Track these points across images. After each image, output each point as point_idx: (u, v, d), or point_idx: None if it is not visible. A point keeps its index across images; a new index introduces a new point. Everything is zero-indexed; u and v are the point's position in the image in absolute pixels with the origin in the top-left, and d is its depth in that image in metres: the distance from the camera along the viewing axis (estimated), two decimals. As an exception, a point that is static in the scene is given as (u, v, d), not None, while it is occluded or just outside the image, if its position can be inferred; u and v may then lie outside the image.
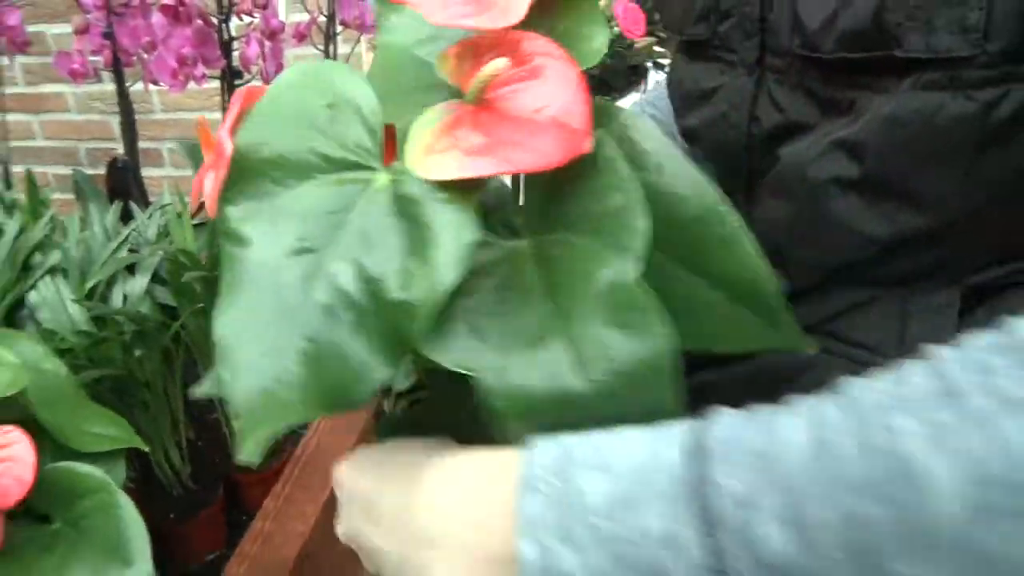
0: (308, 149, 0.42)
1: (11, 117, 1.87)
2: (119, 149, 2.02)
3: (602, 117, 0.41)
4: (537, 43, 0.41)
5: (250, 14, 1.08)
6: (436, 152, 0.38)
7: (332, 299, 0.38)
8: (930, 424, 0.28)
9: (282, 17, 1.10)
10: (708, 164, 0.70)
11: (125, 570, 0.60)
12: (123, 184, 1.34)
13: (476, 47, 0.42)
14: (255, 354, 0.38)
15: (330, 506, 1.03)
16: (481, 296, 0.39)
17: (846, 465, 0.29)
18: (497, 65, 0.39)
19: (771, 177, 0.61)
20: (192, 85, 1.17)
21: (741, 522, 0.29)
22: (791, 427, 0.31)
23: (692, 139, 0.72)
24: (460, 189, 0.38)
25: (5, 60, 1.45)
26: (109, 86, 1.95)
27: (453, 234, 0.37)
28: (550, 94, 0.39)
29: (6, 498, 0.59)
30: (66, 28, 1.87)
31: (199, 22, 1.02)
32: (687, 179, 0.40)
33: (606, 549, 0.31)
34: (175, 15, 1.00)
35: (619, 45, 1.61)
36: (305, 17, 1.23)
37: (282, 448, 1.09)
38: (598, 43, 0.44)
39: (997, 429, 0.27)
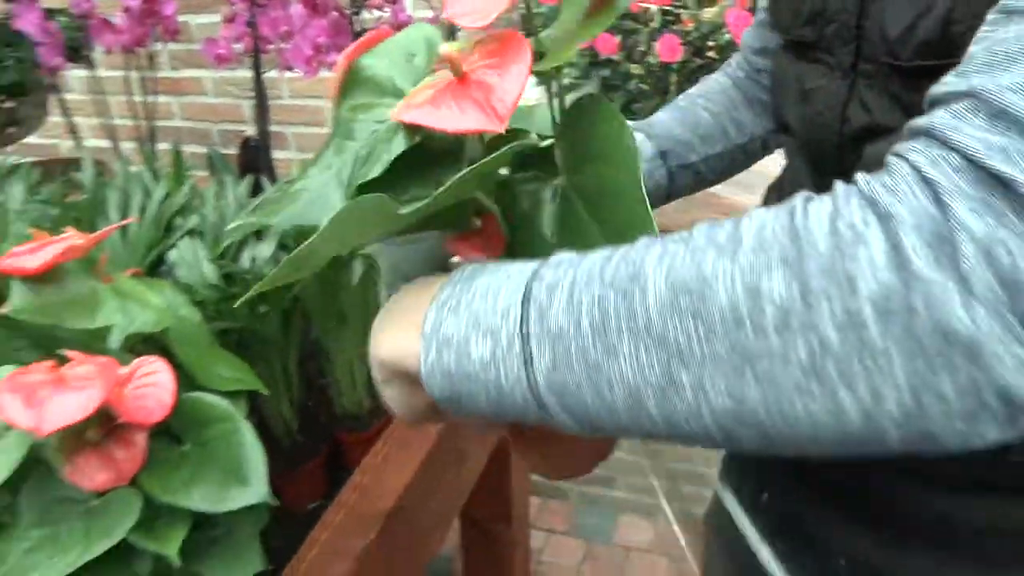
0: (388, 78, 0.58)
1: (158, 99, 2.02)
2: (249, 131, 2.15)
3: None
4: (516, 43, 0.52)
5: (380, 8, 1.16)
6: (408, 104, 0.53)
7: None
8: (665, 251, 0.41)
9: (409, 12, 1.18)
10: (801, 157, 0.74)
11: (244, 490, 0.68)
12: (254, 162, 1.45)
13: (478, 41, 0.54)
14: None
15: (425, 467, 1.10)
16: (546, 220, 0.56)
17: (608, 268, 0.42)
18: (450, 48, 0.51)
19: (857, 171, 0.65)
20: (322, 73, 1.27)
21: (542, 298, 0.44)
22: (601, 252, 0.45)
23: (789, 133, 0.77)
24: (411, 129, 0.53)
25: (158, 46, 1.58)
26: (243, 72, 2.08)
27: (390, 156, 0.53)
28: (500, 83, 0.50)
29: (150, 416, 0.67)
30: (208, 19, 2.01)
31: (334, 14, 1.11)
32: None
33: (471, 315, 0.46)
34: (313, 7, 1.09)
35: (731, 50, 1.65)
36: (429, 13, 1.31)
37: (384, 412, 1.16)
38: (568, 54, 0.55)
39: (698, 257, 0.39)
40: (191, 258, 1.00)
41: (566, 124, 0.56)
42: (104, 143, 1.78)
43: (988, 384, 0.33)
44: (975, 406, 0.34)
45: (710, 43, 1.69)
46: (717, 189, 1.15)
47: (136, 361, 0.71)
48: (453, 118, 0.49)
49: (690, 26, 1.70)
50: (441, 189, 0.49)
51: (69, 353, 0.68)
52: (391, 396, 0.58)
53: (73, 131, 1.62)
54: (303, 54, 1.13)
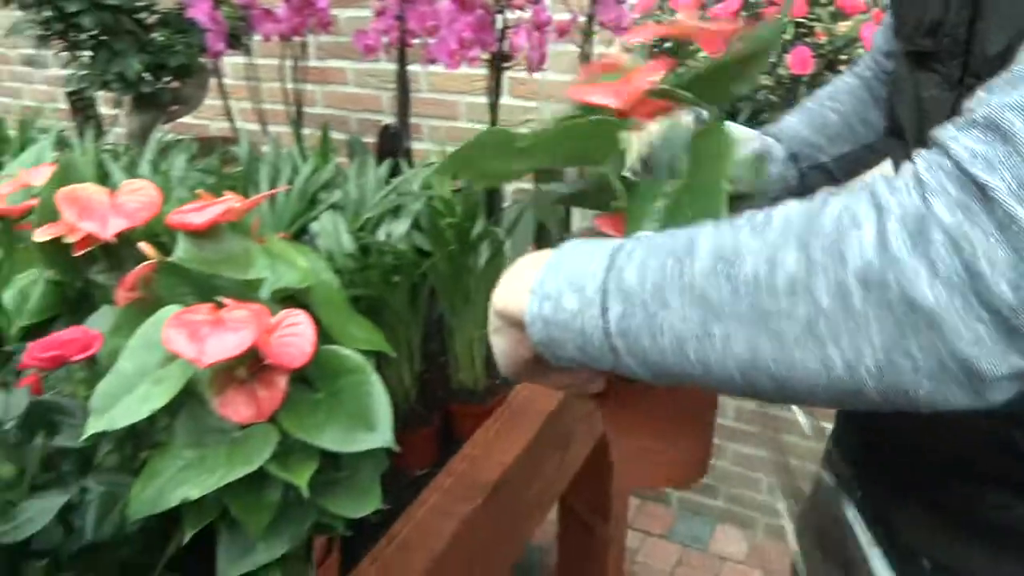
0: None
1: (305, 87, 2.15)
2: (385, 120, 2.26)
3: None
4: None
5: (522, 8, 1.22)
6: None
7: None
8: (716, 230, 0.50)
9: (549, 12, 1.24)
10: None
11: (371, 434, 0.75)
12: (392, 148, 1.54)
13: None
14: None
15: (532, 446, 1.16)
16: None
17: (672, 242, 0.51)
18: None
19: None
20: (456, 70, 1.35)
21: (621, 263, 0.52)
22: (672, 231, 0.53)
23: (901, 136, 0.79)
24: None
25: (310, 38, 1.68)
26: (384, 65, 2.19)
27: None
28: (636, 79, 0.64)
29: (292, 361, 0.75)
30: (354, 12, 2.12)
31: (480, 11, 1.18)
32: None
33: (568, 276, 0.55)
34: (462, 3, 1.16)
35: (787, 80, 1.65)
36: (567, 15, 1.37)
37: (496, 391, 1.23)
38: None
39: (736, 234, 0.48)
40: (332, 229, 1.09)
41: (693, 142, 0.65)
42: (252, 126, 1.92)
43: (948, 351, 0.41)
44: (938, 368, 0.41)
45: (843, 57, 1.69)
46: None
47: (282, 312, 0.79)
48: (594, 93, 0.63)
49: (823, 39, 1.69)
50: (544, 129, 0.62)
51: (225, 300, 0.77)
52: (499, 344, 0.65)
53: (228, 112, 1.75)
54: (448, 48, 1.20)
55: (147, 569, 0.78)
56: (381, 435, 0.75)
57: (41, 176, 1.15)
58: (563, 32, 1.34)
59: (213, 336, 0.71)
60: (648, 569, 2.16)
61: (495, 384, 1.23)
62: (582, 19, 1.38)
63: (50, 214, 1.03)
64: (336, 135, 1.94)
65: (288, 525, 0.76)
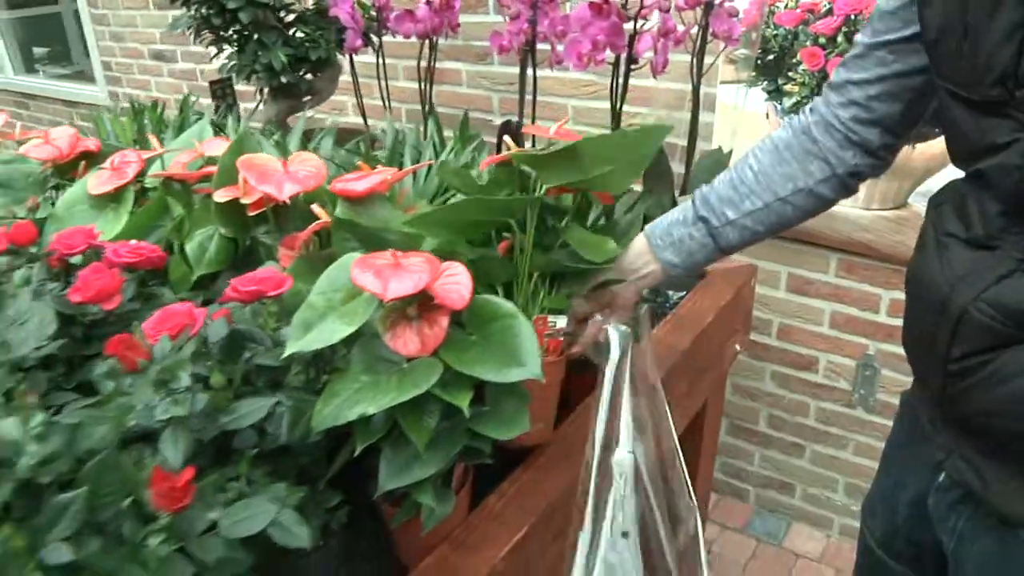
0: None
1: (411, 85, 2.30)
2: (494, 120, 2.40)
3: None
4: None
5: (646, 18, 1.34)
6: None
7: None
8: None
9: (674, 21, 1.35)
10: (994, 202, 0.82)
11: (521, 368, 0.87)
12: (515, 140, 1.66)
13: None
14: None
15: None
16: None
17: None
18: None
19: None
20: (582, 71, 1.47)
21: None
22: None
23: (979, 180, 0.83)
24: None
25: (442, 39, 1.82)
26: (495, 68, 2.33)
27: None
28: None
29: (454, 303, 0.87)
30: (469, 18, 2.26)
31: (615, 18, 1.30)
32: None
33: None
34: (598, 9, 1.28)
35: None
36: (682, 27, 1.48)
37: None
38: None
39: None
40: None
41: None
42: (372, 120, 2.07)
43: None
44: None
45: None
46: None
47: (444, 264, 0.91)
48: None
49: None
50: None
51: (394, 252, 0.89)
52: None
53: (360, 103, 1.90)
54: (579, 50, 1.32)
55: (317, 478, 0.91)
56: (531, 368, 0.87)
57: (216, 147, 1.31)
58: (678, 42, 1.44)
59: (394, 276, 0.84)
60: (723, 560, 2.23)
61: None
62: (694, 30, 1.48)
63: (228, 179, 1.19)
64: (448, 133, 2.09)
65: (444, 446, 0.88)
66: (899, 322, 1.96)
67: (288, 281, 0.92)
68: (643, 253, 1.14)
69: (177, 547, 0.62)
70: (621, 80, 1.43)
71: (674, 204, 1.58)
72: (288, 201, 1.09)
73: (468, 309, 0.91)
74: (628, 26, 1.42)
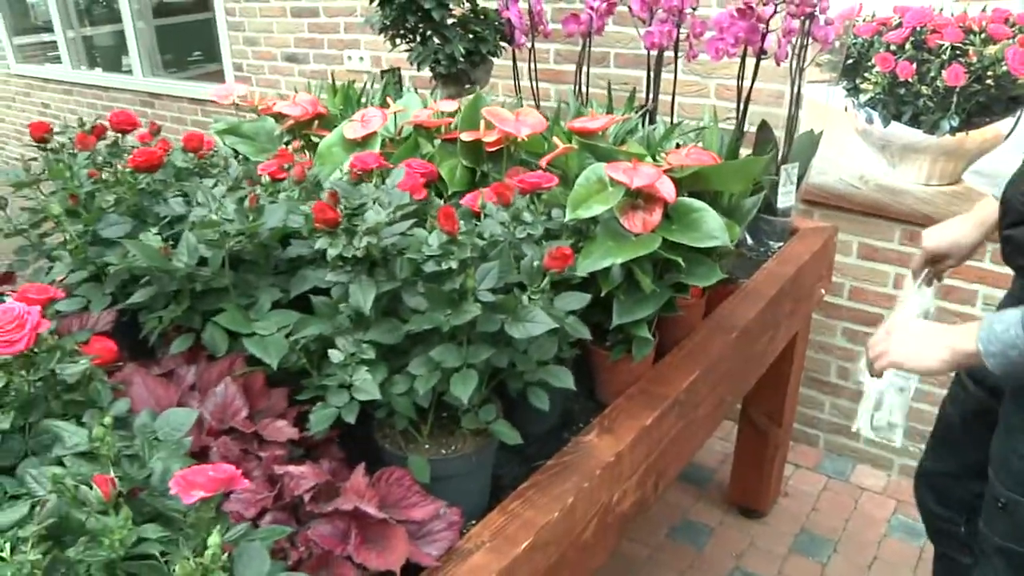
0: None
1: (541, 85, 2.74)
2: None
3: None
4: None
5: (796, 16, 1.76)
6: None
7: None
8: None
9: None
10: None
11: (712, 241, 1.28)
12: (648, 120, 2.08)
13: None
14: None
15: (761, 314, 1.67)
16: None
17: None
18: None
19: None
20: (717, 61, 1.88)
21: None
22: None
23: None
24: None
25: (560, 45, 2.24)
26: (611, 70, 2.75)
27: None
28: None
29: (667, 197, 1.29)
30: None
31: (755, 20, 1.72)
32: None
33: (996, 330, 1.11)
34: (743, 13, 1.70)
35: (1005, 80, 2.11)
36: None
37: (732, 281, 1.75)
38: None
39: None
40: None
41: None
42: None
43: None
44: None
45: (989, 73, 2.16)
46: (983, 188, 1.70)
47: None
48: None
49: (974, 59, 2.17)
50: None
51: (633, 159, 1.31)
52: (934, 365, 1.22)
53: (517, 90, 2.33)
54: (717, 45, 1.74)
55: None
56: (721, 239, 1.28)
57: (447, 106, 1.74)
58: (789, 33, 1.85)
59: (636, 174, 1.26)
60: (799, 491, 2.62)
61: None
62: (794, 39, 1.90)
63: (469, 124, 1.61)
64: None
65: (659, 294, 1.30)
66: (955, 283, 2.35)
67: (556, 179, 1.34)
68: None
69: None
70: (751, 72, 1.84)
71: (777, 171, 2.00)
72: (525, 138, 1.51)
73: (672, 206, 1.33)
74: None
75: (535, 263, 1.07)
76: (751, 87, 1.86)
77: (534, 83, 2.30)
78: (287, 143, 1.95)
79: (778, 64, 1.80)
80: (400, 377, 1.08)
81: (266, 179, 1.49)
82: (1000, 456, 1.34)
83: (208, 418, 1.17)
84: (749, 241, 2.04)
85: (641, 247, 1.27)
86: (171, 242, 1.31)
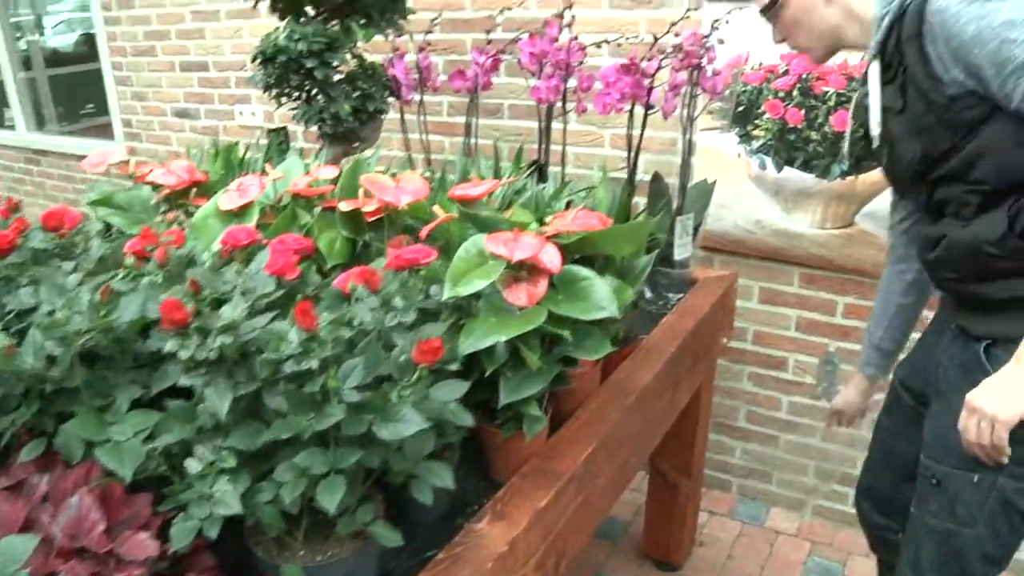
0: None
1: (433, 138, 2.70)
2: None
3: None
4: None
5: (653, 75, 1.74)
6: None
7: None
8: None
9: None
10: None
11: (600, 312, 1.24)
12: (539, 173, 2.05)
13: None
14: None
15: (659, 375, 1.63)
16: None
17: None
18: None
19: None
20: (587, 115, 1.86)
21: None
22: None
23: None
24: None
25: (453, 97, 2.20)
26: (505, 121, 2.71)
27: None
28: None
29: (551, 269, 1.24)
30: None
31: (639, 76, 1.70)
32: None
33: None
34: (627, 69, 1.68)
35: (831, 135, 2.16)
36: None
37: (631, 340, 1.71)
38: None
39: None
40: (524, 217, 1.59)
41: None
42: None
43: None
44: None
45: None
46: (871, 229, 1.78)
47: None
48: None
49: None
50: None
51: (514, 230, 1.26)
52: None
53: (407, 146, 2.27)
54: (604, 100, 1.71)
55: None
56: (608, 310, 1.24)
57: (327, 173, 1.67)
58: (675, 87, 1.85)
59: (517, 246, 1.20)
60: (714, 539, 2.59)
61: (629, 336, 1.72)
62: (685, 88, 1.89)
63: (348, 193, 1.54)
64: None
65: (547, 369, 1.24)
66: (854, 323, 2.39)
67: (435, 253, 1.27)
68: (856, 380, 1.83)
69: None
70: (639, 125, 1.82)
71: (672, 226, 1.98)
72: (405, 207, 1.45)
73: (558, 276, 1.27)
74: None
75: (403, 356, 1.00)
76: (639, 143, 1.84)
77: (424, 139, 2.25)
78: (164, 213, 1.86)
79: (665, 118, 1.78)
80: (266, 484, 1.00)
81: (130, 260, 1.39)
82: (936, 436, 1.45)
83: (59, 536, 1.06)
84: (648, 294, 2.01)
85: (526, 322, 1.21)
86: (19, 338, 1.20)
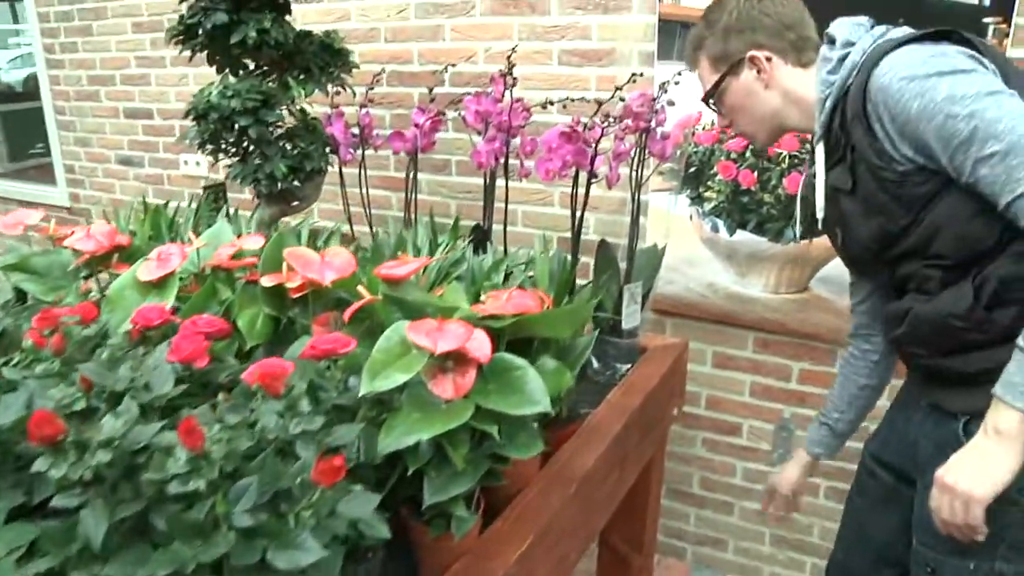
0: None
1: (380, 193, 2.61)
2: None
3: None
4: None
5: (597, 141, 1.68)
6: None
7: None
8: None
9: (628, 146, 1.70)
10: None
11: (533, 407, 1.15)
12: (481, 239, 1.97)
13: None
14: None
15: (603, 457, 1.54)
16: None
17: None
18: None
19: None
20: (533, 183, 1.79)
21: None
22: None
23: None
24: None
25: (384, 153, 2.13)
26: (453, 178, 2.65)
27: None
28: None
29: (481, 359, 1.15)
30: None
31: (582, 143, 1.63)
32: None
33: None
34: (569, 137, 1.61)
35: (784, 198, 2.12)
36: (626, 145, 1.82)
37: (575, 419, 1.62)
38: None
39: None
40: (456, 296, 1.50)
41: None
42: (327, 222, 2.35)
43: None
44: None
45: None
46: (826, 295, 1.73)
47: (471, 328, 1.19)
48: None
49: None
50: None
51: (438, 318, 1.17)
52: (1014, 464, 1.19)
53: (346, 208, 2.19)
54: (546, 166, 1.64)
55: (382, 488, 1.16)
56: (541, 405, 1.15)
57: (252, 243, 1.58)
58: (622, 155, 1.78)
59: (440, 337, 1.12)
60: (667, 611, 2.50)
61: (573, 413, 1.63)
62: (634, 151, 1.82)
63: (271, 267, 1.45)
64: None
65: (475, 467, 1.15)
66: (809, 389, 2.33)
67: (353, 342, 1.18)
68: (801, 457, 1.78)
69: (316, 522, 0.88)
70: (583, 192, 1.75)
71: (620, 295, 1.90)
72: (329, 284, 1.36)
73: (491, 362, 1.19)
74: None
75: (302, 477, 0.90)
76: (582, 212, 1.76)
77: (366, 198, 2.16)
78: (86, 278, 1.75)
79: (609, 187, 1.71)
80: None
81: (29, 343, 1.29)
82: (926, 522, 1.35)
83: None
84: (595, 364, 1.93)
85: (451, 418, 1.12)
86: None
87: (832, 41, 1.36)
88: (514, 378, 1.20)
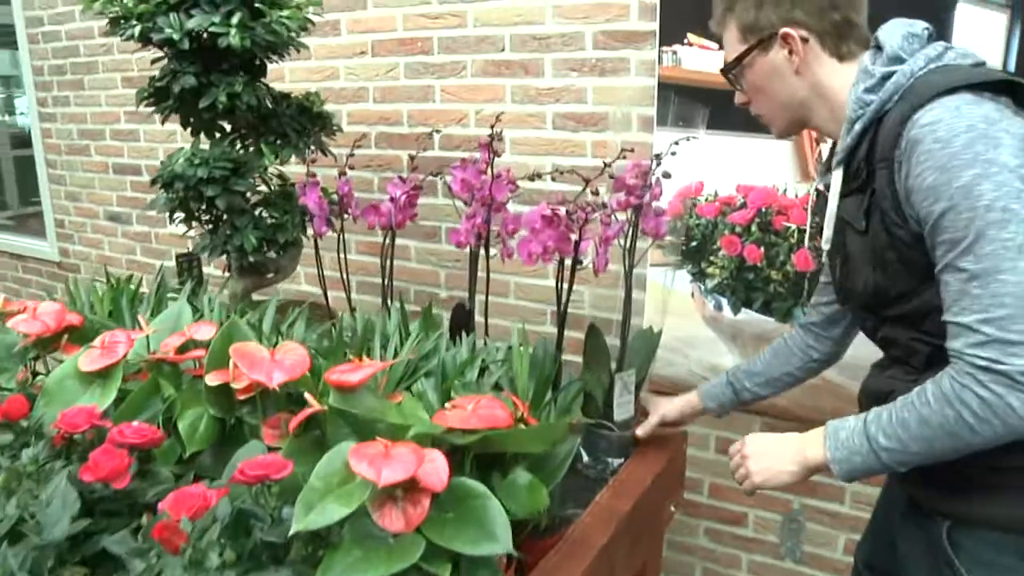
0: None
1: (365, 259, 2.48)
2: (441, 294, 2.57)
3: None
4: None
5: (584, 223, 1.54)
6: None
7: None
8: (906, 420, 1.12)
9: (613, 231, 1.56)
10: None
11: (493, 544, 1.00)
12: (464, 322, 1.82)
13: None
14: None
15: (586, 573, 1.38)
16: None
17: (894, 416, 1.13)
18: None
19: None
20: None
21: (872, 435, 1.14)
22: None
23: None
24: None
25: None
26: (443, 246, 2.52)
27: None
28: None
29: (434, 487, 1.00)
30: (424, 200, 2.46)
31: (563, 228, 1.49)
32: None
33: (843, 439, 1.18)
34: (549, 221, 1.47)
35: (792, 275, 1.98)
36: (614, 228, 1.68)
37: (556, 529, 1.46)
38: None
39: (915, 423, 1.11)
40: (430, 395, 1.36)
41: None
42: (314, 289, 2.22)
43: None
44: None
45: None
46: (839, 380, 1.56)
47: (425, 450, 1.04)
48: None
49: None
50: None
51: (380, 440, 1.03)
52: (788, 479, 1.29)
53: (323, 283, 2.05)
54: (528, 248, 1.50)
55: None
56: (502, 544, 1.00)
57: (203, 332, 1.44)
58: (610, 240, 1.63)
59: (386, 465, 0.97)
60: None
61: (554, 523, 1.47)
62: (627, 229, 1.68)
63: (218, 363, 1.31)
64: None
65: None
66: (819, 479, 2.15)
67: (289, 466, 1.04)
68: (691, 399, 1.74)
69: None
70: (567, 276, 1.61)
71: (611, 381, 1.75)
72: (277, 387, 1.22)
73: (448, 489, 1.04)
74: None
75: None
76: (567, 301, 1.62)
77: (345, 272, 2.03)
78: (34, 359, 1.62)
79: (596, 275, 1.56)
80: None
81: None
82: None
83: None
84: (585, 458, 1.78)
85: (400, 557, 0.97)
86: None
87: (879, 48, 1.19)
88: (474, 507, 1.05)
